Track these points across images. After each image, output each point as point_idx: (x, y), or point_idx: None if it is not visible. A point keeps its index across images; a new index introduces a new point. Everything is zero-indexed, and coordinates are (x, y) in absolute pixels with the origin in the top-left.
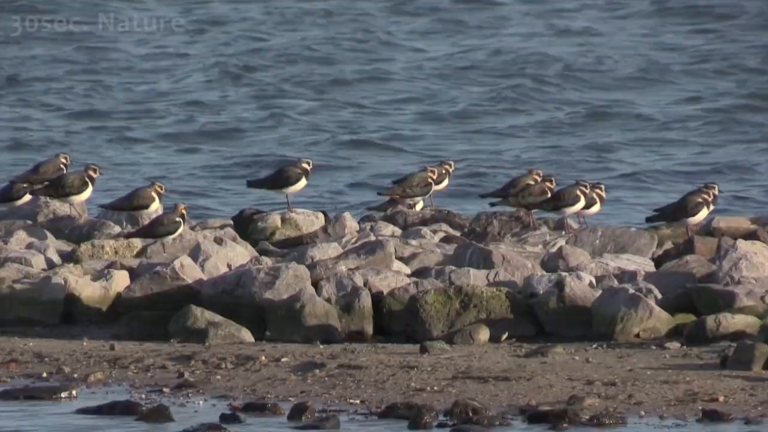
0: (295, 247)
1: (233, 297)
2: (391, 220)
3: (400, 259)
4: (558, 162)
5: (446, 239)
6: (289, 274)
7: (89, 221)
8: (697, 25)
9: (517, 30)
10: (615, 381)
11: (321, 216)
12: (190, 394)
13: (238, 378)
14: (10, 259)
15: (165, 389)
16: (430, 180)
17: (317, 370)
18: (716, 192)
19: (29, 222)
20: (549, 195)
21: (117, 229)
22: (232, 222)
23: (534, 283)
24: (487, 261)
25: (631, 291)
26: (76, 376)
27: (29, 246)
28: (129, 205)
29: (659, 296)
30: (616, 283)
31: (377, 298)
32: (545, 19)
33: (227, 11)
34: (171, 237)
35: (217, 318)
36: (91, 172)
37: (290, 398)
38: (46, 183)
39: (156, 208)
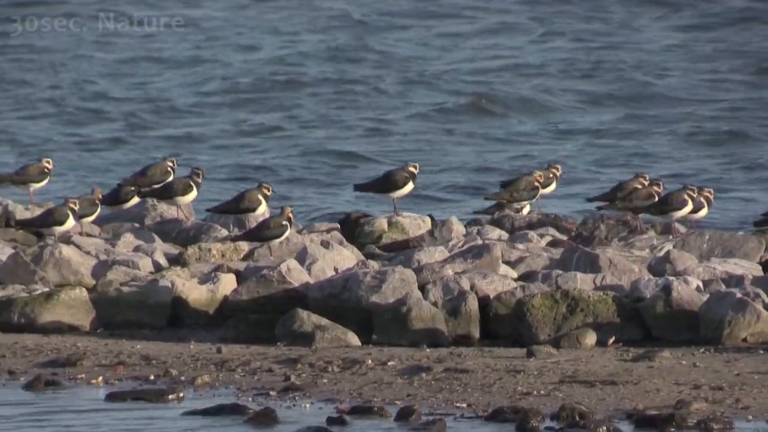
0: (402, 250)
1: (340, 300)
2: (498, 223)
3: (507, 263)
4: None
5: (553, 243)
6: (395, 277)
7: (196, 224)
8: None
9: None
10: (722, 385)
11: (428, 220)
12: (296, 398)
13: (344, 381)
14: (118, 261)
15: (271, 392)
16: (536, 184)
17: (424, 374)
18: None
19: (137, 225)
20: (656, 199)
21: (224, 232)
22: (338, 225)
23: (641, 287)
24: (593, 265)
25: (739, 295)
26: (183, 378)
27: (137, 249)
28: (236, 208)
29: (767, 300)
30: (723, 287)
31: (484, 302)
32: None
33: None
34: (278, 240)
35: (324, 321)
36: (195, 177)
37: (396, 401)
38: (154, 186)
39: (263, 211)
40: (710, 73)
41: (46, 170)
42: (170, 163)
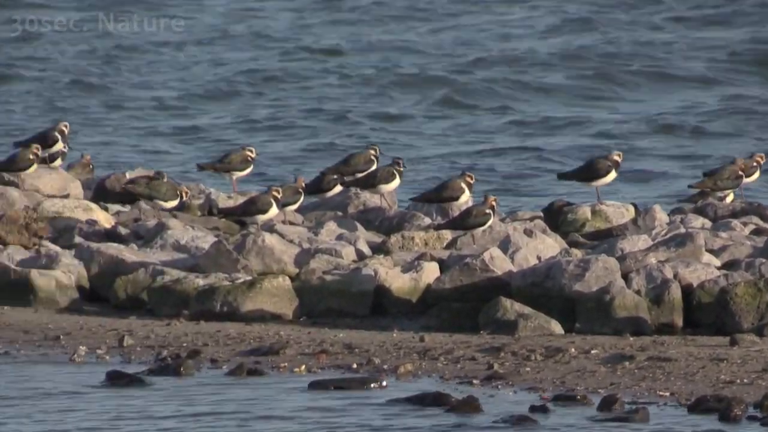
0: (605, 239)
1: (543, 289)
2: (701, 212)
3: (710, 251)
4: None
5: (756, 231)
6: (598, 266)
7: (399, 213)
8: None
9: None
10: None
11: (631, 208)
12: (499, 386)
13: (547, 370)
14: (321, 250)
15: (474, 381)
16: (740, 172)
17: (627, 362)
18: None
19: (340, 213)
20: None
21: (427, 220)
22: (542, 214)
23: None
24: None
25: None
26: (385, 367)
27: (339, 237)
28: (438, 196)
29: None
30: None
31: (687, 291)
32: None
33: None
34: (481, 228)
35: (527, 310)
36: (397, 166)
37: (599, 390)
38: (357, 174)
39: (466, 199)
40: None
41: (249, 158)
42: (373, 152)
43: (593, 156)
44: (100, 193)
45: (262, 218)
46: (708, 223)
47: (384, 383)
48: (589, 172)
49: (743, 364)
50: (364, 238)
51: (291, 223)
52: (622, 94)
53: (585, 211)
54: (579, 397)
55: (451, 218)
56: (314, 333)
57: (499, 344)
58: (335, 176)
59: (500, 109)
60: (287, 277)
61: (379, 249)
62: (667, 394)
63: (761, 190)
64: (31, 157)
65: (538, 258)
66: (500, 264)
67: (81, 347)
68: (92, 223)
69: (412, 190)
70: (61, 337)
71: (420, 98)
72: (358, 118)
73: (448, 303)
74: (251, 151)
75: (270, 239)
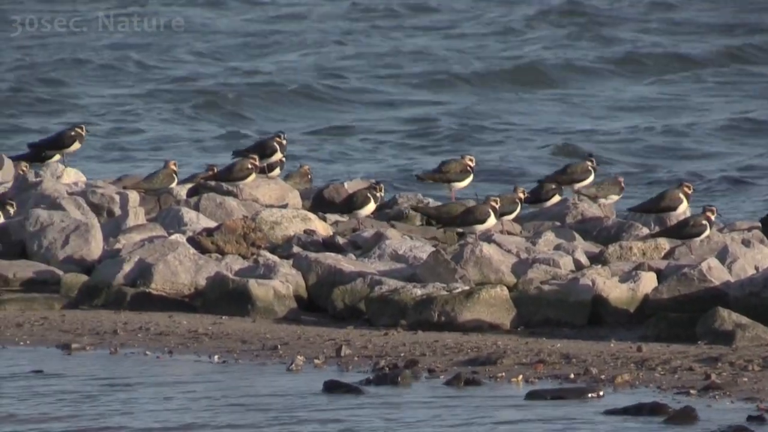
0: None
1: (761, 299)
2: None
3: None
4: None
5: None
6: None
7: (617, 223)
8: None
9: None
10: None
11: None
12: (716, 396)
13: (765, 380)
14: (539, 260)
15: (691, 391)
16: None
17: None
18: None
19: (558, 223)
20: None
21: (645, 230)
22: (759, 224)
23: None
24: None
25: None
26: (603, 377)
27: (557, 247)
28: (656, 207)
29: None
30: None
31: None
32: None
33: None
34: (698, 239)
35: (744, 320)
36: (620, 179)
37: None
38: (575, 184)
39: (684, 209)
40: None
41: (468, 168)
42: (590, 163)
43: None
44: (318, 203)
45: (480, 228)
46: None
47: (601, 393)
48: None
49: None
50: (582, 248)
51: (509, 233)
52: None
53: None
54: None
55: (667, 227)
56: (531, 343)
57: (716, 354)
58: (554, 186)
59: None
60: (505, 287)
61: (596, 259)
62: None
63: None
64: (250, 167)
65: (756, 268)
66: (718, 274)
67: (298, 357)
68: (310, 232)
69: (631, 200)
70: (279, 346)
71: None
72: None
73: (665, 313)
74: (471, 161)
75: (488, 249)
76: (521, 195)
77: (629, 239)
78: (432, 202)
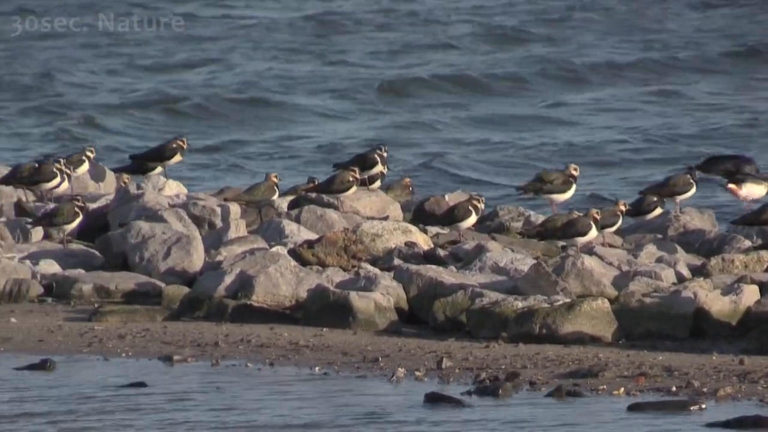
0: None
1: None
2: None
3: None
4: None
5: None
6: None
7: (720, 235)
8: None
9: None
10: None
11: None
12: None
13: None
14: (640, 273)
15: None
16: None
17: None
18: None
19: (659, 236)
20: None
21: (747, 243)
22: None
23: None
24: None
25: None
26: (705, 390)
27: (659, 260)
28: (758, 219)
29: None
30: None
31: None
32: None
33: None
34: None
35: None
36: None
37: None
38: (675, 195)
39: None
40: None
41: (571, 179)
42: (689, 176)
43: None
44: (419, 215)
45: (581, 240)
46: None
47: (703, 406)
48: None
49: None
50: (684, 260)
51: (610, 245)
52: None
53: None
54: None
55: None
56: (633, 355)
57: None
58: (655, 198)
59: None
60: (606, 300)
61: (698, 271)
62: None
63: None
64: (350, 179)
65: None
66: None
67: (399, 369)
68: (411, 245)
69: (731, 213)
70: (380, 358)
71: None
72: None
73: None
74: (575, 170)
75: (589, 261)
76: (622, 207)
77: (731, 252)
78: (533, 215)
